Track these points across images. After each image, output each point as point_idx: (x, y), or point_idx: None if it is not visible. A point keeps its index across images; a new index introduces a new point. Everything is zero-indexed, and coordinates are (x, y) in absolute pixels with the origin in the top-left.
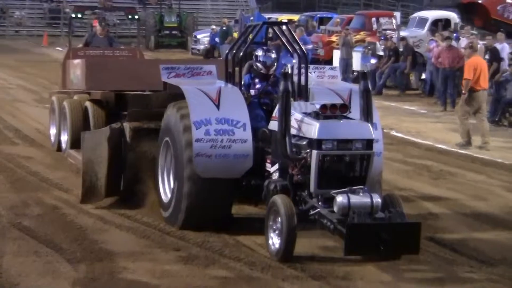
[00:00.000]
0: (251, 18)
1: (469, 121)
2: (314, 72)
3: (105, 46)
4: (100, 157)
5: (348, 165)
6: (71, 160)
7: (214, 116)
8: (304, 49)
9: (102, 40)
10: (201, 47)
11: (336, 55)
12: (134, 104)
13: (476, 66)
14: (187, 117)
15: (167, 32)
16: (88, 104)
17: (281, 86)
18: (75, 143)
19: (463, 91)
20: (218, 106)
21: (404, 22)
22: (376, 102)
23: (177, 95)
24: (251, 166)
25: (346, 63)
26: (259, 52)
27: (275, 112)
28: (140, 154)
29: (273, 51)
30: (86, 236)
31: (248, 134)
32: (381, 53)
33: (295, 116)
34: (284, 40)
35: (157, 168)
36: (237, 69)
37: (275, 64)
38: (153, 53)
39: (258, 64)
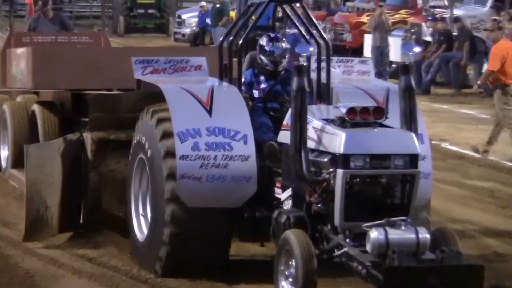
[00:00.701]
0: None
1: None
2: (339, 66)
3: (55, 31)
4: (51, 178)
5: (385, 189)
6: (13, 183)
7: (204, 125)
8: (325, 38)
9: (49, 23)
10: (187, 31)
11: (368, 41)
12: (98, 108)
13: (507, 53)
14: (168, 126)
15: (141, 11)
16: (36, 107)
17: (294, 84)
18: (18, 160)
19: (478, 82)
20: (210, 112)
21: None
22: (422, 104)
23: (155, 95)
24: (255, 191)
25: (381, 52)
26: (264, 41)
27: (287, 120)
28: (105, 174)
29: (283, 39)
30: (34, 284)
31: (250, 149)
32: (429, 38)
33: (314, 124)
34: (297, 23)
35: (129, 194)
36: (235, 59)
37: (286, 56)
38: (122, 39)
39: (263, 58)
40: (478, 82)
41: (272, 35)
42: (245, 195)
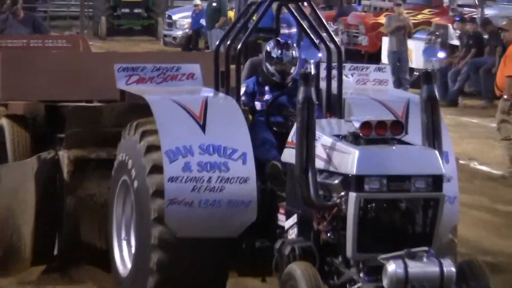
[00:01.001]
0: None
1: None
2: (353, 75)
3: (26, 34)
4: (23, 203)
5: (405, 215)
6: None
7: (197, 141)
8: (336, 42)
9: (20, 25)
10: (179, 33)
11: (386, 45)
12: (76, 122)
13: None
14: (154, 144)
15: (126, 10)
16: (4, 121)
17: (300, 94)
18: None
19: (505, 95)
20: (203, 127)
21: None
22: (447, 117)
23: (141, 108)
24: (255, 219)
25: (399, 57)
26: (272, 47)
27: (292, 136)
28: (84, 199)
29: (294, 46)
30: None
31: (250, 170)
32: (456, 42)
33: (323, 140)
34: (305, 24)
35: (111, 222)
36: (233, 67)
37: (296, 66)
38: (104, 43)
39: (270, 67)
40: (505, 96)
41: (282, 40)
42: (244, 223)
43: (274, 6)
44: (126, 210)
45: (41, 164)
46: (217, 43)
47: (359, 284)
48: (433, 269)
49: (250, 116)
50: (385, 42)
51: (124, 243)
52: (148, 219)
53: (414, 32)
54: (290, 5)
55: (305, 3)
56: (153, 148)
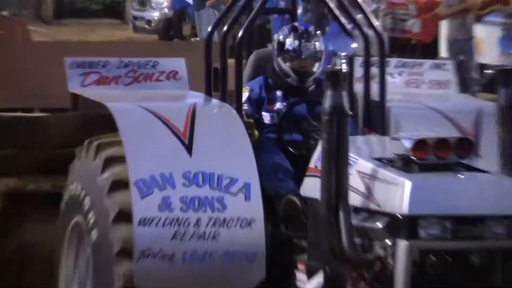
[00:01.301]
0: None
1: None
2: (401, 74)
3: None
4: None
5: (477, 272)
6: None
7: (180, 168)
8: (376, 28)
9: None
10: (155, 15)
11: (445, 32)
12: (8, 140)
13: None
14: (124, 179)
15: None
16: None
17: (327, 102)
18: None
19: None
20: (189, 147)
21: None
22: None
23: (101, 120)
24: (263, 277)
25: (462, 49)
26: (286, 35)
27: (315, 160)
28: (19, 248)
29: (318, 34)
30: None
31: (255, 208)
32: None
33: (359, 166)
34: (332, 3)
35: (57, 280)
36: (231, 61)
37: (320, 62)
38: (51, 29)
39: (283, 64)
40: None
41: (301, 27)
42: (248, 284)
43: None
44: (79, 263)
45: None
46: (209, 29)
47: None
48: None
49: (256, 132)
50: (444, 27)
51: None
52: (109, 269)
53: (485, 14)
54: None
55: None
56: (122, 185)
